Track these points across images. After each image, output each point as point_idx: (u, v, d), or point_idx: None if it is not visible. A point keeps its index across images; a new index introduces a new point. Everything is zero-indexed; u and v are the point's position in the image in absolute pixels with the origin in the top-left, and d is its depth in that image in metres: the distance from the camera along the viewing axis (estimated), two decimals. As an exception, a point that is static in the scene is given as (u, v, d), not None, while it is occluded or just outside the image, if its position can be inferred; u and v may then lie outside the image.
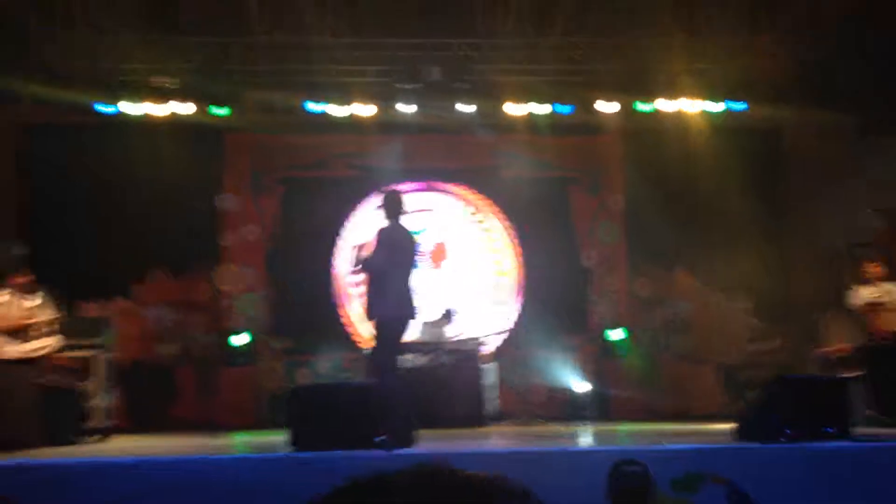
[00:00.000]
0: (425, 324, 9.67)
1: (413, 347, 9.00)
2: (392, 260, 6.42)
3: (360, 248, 6.62)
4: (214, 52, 9.88)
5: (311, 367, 10.77)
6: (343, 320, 11.02)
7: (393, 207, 6.75)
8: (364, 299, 6.67)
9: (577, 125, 10.78)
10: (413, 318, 6.58)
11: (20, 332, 7.74)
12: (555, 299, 10.98)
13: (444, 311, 10.14)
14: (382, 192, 6.93)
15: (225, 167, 11.07)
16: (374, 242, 6.50)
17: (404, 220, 6.78)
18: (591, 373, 10.91)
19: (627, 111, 10.42)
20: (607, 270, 11.30)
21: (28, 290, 7.90)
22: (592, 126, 10.82)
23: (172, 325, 10.81)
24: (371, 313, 6.56)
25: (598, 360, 11.07)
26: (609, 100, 10.33)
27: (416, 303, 6.58)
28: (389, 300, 6.44)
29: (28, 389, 7.68)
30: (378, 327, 6.49)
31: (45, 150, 10.57)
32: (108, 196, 10.66)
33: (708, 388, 10.91)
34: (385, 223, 6.73)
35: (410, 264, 6.58)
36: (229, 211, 11.07)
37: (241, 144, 11.13)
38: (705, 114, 10.35)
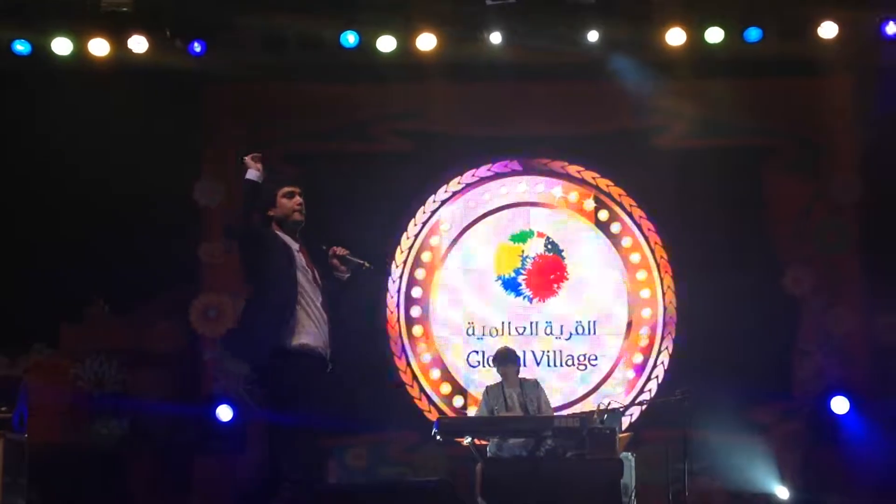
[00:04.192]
0: (511, 388, 9.53)
1: (505, 427, 8.97)
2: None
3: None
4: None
5: (338, 456, 10.61)
6: (402, 378, 10.91)
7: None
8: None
9: (781, 62, 10.55)
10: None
11: None
12: (733, 348, 10.46)
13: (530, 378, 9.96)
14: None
15: (203, 139, 10.97)
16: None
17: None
18: (796, 468, 10.54)
19: (864, 36, 10.17)
20: (829, 301, 10.89)
21: None
22: (806, 62, 10.54)
23: (119, 389, 10.73)
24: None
25: (810, 447, 10.65)
26: (835, 19, 9.98)
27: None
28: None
29: None
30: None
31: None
32: (20, 188, 10.57)
33: None
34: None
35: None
36: (211, 208, 10.90)
37: (229, 103, 11.04)
38: None
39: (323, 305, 6.41)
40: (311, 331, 6.35)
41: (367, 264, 6.66)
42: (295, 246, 6.47)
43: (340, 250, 6.60)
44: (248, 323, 6.43)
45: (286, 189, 6.54)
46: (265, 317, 6.29)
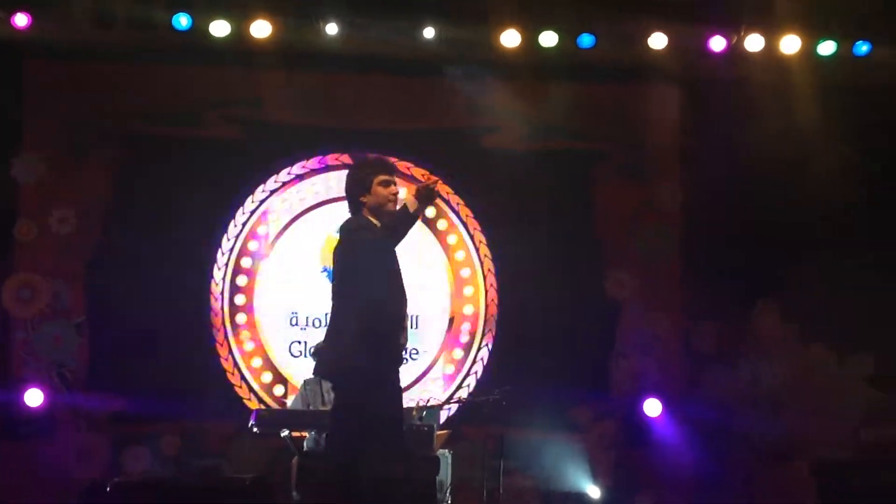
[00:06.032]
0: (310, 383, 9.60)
1: (323, 421, 8.55)
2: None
3: None
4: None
5: (150, 445, 10.41)
6: (224, 366, 10.80)
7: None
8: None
9: (612, 68, 10.70)
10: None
11: None
12: (553, 349, 10.57)
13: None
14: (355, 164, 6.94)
15: (24, 114, 10.73)
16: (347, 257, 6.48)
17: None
18: (609, 468, 10.67)
19: (691, 49, 10.39)
20: (648, 306, 10.97)
21: None
22: (636, 70, 10.63)
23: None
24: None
25: (623, 447, 10.78)
26: (665, 30, 10.18)
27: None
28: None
29: None
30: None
31: None
32: None
33: (800, 497, 10.47)
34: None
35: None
36: (28, 185, 10.67)
37: (52, 78, 10.78)
38: (817, 59, 10.35)
39: None
40: None
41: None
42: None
43: None
44: (365, 324, 6.28)
45: (382, 177, 6.42)
46: (387, 315, 6.29)
